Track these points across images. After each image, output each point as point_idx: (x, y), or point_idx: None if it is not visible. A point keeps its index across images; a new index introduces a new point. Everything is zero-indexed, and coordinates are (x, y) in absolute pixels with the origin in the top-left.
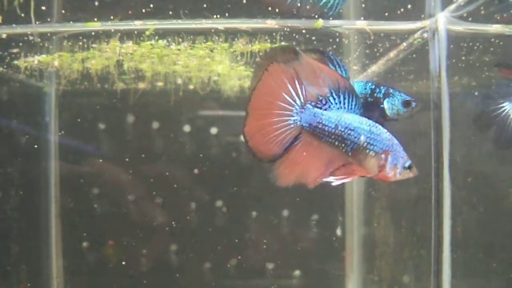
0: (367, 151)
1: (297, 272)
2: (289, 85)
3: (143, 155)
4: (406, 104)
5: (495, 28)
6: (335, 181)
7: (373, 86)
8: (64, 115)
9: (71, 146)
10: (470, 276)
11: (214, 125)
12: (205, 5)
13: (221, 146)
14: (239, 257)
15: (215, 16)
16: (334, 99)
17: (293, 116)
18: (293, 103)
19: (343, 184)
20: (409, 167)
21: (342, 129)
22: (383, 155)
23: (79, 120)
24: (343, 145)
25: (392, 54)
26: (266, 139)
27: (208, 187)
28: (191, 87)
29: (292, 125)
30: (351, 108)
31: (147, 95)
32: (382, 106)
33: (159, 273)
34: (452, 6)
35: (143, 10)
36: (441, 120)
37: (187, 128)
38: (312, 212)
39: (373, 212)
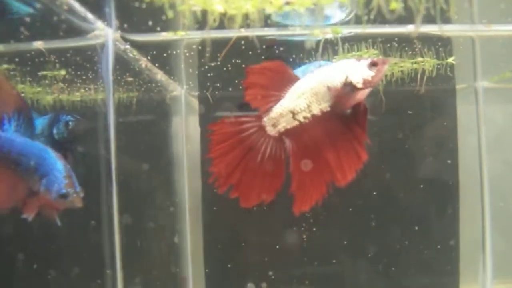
0: (35, 175)
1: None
2: None
3: None
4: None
5: None
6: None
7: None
8: None
9: None
10: None
11: None
12: None
13: None
14: None
15: None
16: (13, 121)
17: None
18: None
19: None
20: (64, 196)
21: (15, 154)
22: (42, 180)
23: None
24: (18, 169)
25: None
26: None
27: None
28: None
29: None
30: (26, 133)
31: None
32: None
33: None
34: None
35: None
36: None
37: None
38: None
39: None
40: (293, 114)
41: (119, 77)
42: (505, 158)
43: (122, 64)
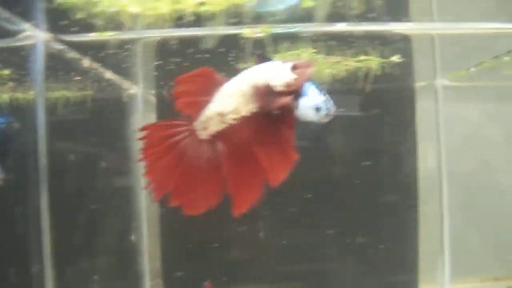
0: None
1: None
2: None
3: None
4: None
5: None
6: None
7: None
8: None
9: None
10: None
11: None
12: None
13: None
14: None
15: None
16: None
17: None
18: None
19: None
20: None
21: None
22: None
23: None
24: None
25: None
26: None
27: None
28: None
29: None
30: None
31: None
32: None
33: None
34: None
35: None
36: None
37: None
38: None
39: None
40: (222, 116)
41: (61, 77)
42: (466, 156)
43: (63, 64)
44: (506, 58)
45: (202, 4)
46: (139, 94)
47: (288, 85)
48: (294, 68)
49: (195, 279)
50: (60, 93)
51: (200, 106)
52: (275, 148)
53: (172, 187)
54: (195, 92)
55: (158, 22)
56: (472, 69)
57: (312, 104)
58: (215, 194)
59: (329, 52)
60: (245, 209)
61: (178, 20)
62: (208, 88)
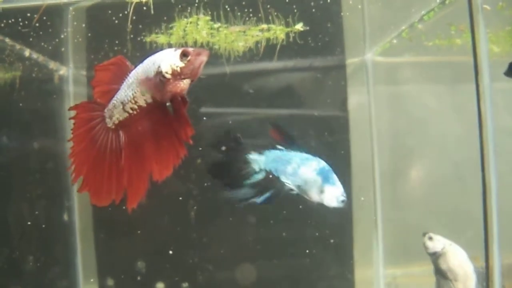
0: None
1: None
2: None
3: None
4: None
5: None
6: None
7: None
8: None
9: None
10: None
11: None
12: None
13: None
14: None
15: None
16: None
17: None
18: None
19: None
20: None
21: None
22: None
23: None
24: None
25: None
26: None
27: None
28: None
29: None
30: None
31: None
32: None
33: None
34: None
35: None
36: None
37: None
38: None
39: None
40: (123, 105)
41: None
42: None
43: None
44: (420, 26)
45: None
46: (70, 76)
47: (176, 73)
48: (183, 55)
49: (128, 258)
50: None
51: (112, 94)
52: (165, 141)
53: (85, 173)
54: (110, 81)
55: None
56: (394, 40)
57: (340, 196)
58: (117, 187)
59: (227, 19)
60: (135, 204)
61: None
62: (120, 77)
